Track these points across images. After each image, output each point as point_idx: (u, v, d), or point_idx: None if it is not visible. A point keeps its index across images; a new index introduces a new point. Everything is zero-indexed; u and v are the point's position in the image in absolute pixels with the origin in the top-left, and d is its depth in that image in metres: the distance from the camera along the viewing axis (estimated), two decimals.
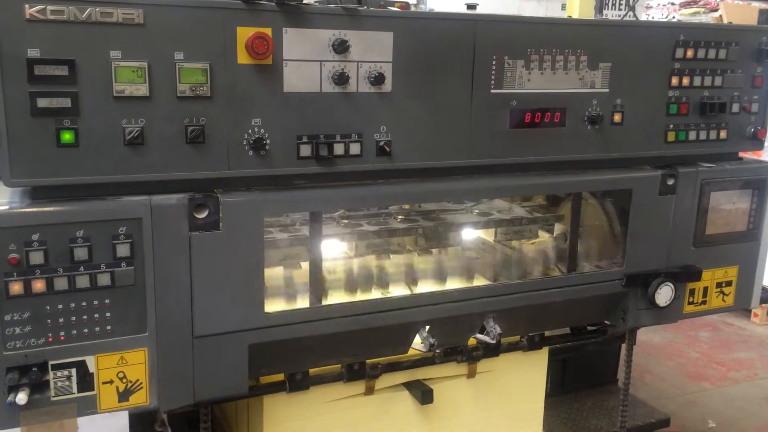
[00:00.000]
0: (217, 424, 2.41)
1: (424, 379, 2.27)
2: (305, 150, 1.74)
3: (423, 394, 2.22)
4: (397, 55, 1.79)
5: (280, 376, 2.02)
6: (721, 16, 6.16)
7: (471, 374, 2.34)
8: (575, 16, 4.08)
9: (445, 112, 1.89)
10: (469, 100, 1.91)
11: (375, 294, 2.14)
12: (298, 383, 2.02)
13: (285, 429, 2.10)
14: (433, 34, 1.82)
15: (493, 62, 1.91)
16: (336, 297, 2.08)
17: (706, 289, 2.42)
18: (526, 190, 2.26)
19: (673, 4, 7.08)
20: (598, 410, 3.16)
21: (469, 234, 2.41)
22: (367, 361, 2.11)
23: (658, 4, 7.21)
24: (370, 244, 2.17)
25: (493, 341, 2.11)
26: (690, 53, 2.17)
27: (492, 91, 1.93)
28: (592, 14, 4.23)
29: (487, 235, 2.53)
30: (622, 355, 3.31)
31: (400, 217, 2.29)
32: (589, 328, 2.56)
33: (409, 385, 2.25)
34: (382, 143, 1.81)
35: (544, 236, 2.50)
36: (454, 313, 2.04)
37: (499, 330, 2.10)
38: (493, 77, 1.92)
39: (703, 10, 6.41)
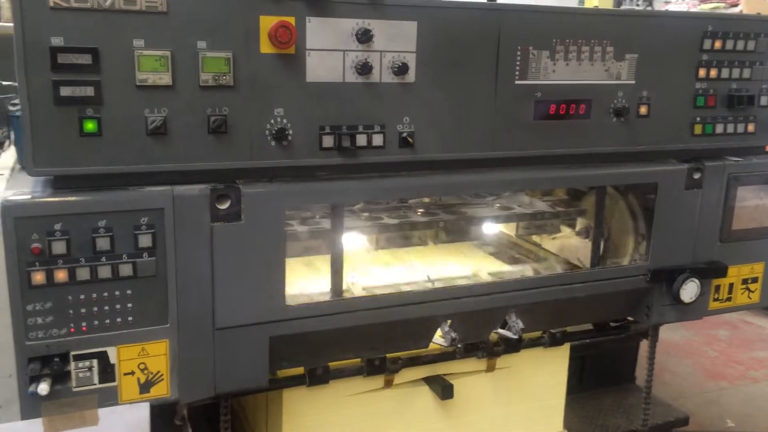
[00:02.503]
0: (235, 417, 2.40)
1: (444, 374, 2.24)
2: (327, 141, 1.72)
3: (443, 389, 2.20)
4: (421, 44, 1.76)
5: (299, 370, 2.01)
6: (741, 11, 6.07)
7: (490, 369, 2.31)
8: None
9: (469, 103, 1.86)
10: (494, 91, 1.88)
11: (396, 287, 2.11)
12: (317, 377, 2.01)
13: (304, 423, 2.08)
14: (457, 23, 1.79)
15: (518, 53, 1.88)
16: (356, 290, 2.06)
17: (731, 285, 2.37)
18: (550, 183, 2.22)
19: None
20: (617, 408, 3.12)
21: (490, 228, 2.38)
22: (388, 355, 2.09)
23: None
24: (391, 237, 2.15)
25: (515, 336, 2.08)
26: (718, 44, 2.12)
27: (516, 82, 1.90)
28: (610, 6, 4.18)
29: (508, 229, 2.51)
30: (640, 353, 3.27)
31: (420, 210, 2.27)
32: (611, 324, 2.53)
33: (429, 380, 2.23)
34: (405, 134, 1.79)
35: (566, 231, 2.47)
36: (476, 308, 2.01)
37: (521, 325, 2.07)
38: (517, 68, 1.89)
39: (723, 5, 6.31)
